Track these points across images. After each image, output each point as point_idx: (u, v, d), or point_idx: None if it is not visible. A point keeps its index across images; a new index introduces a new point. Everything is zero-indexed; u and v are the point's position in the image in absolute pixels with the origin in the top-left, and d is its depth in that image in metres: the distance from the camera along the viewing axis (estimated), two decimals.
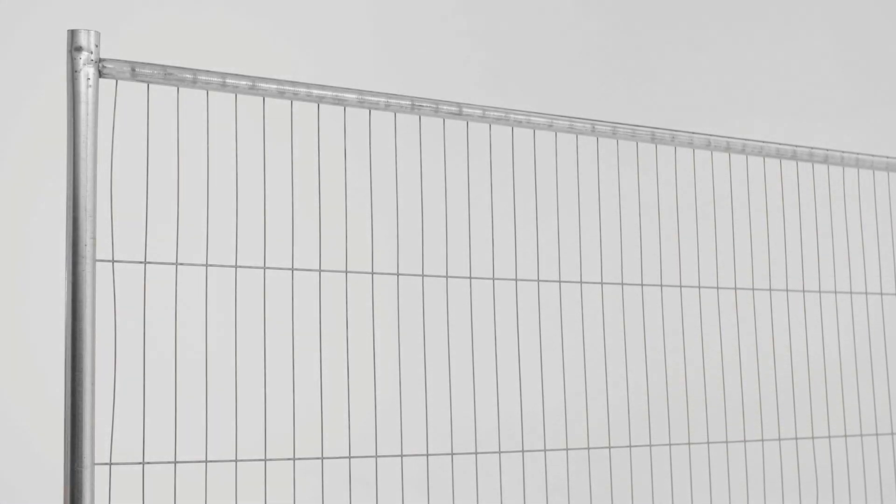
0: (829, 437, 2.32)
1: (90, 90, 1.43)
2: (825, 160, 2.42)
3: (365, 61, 4.95)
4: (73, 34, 1.44)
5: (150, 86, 1.54)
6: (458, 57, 5.19)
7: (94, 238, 1.44)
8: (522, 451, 1.75)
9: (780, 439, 1.90)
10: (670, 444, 2.09)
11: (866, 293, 2.51)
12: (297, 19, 4.79)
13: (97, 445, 3.55)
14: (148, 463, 1.51)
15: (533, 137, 2.10)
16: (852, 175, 5.67)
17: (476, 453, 2.45)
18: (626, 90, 5.46)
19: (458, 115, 2.04)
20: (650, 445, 1.89)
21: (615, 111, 5.07)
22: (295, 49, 4.74)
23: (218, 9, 4.62)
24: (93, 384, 1.45)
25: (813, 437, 1.99)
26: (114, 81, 1.52)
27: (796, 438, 1.98)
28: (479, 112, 2.06)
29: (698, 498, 5.02)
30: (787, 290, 2.16)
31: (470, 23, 5.26)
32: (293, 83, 1.74)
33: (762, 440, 2.02)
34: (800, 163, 5.74)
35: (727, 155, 5.77)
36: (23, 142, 4.07)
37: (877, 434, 2.50)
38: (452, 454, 2.14)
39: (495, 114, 2.07)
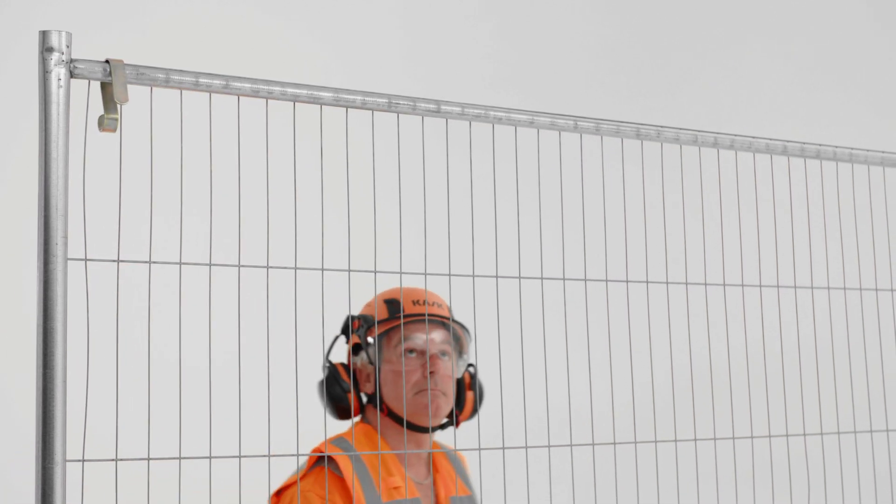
0: (861, 431, 2.36)
1: (61, 90, 1.47)
2: (817, 155, 2.42)
3: (367, 64, 4.99)
4: (44, 35, 1.48)
5: (127, 86, 1.58)
6: (480, 58, 5.23)
7: (65, 237, 1.48)
8: (549, 447, 1.79)
9: (805, 434, 1.94)
10: (720, 439, 2.13)
11: (860, 289, 2.53)
12: (294, 20, 4.83)
13: (75, 443, 3.59)
14: (121, 460, 1.56)
15: (558, 138, 2.13)
16: (846, 170, 5.70)
17: (503, 448, 2.49)
18: (627, 91, 5.51)
19: (437, 112, 2.05)
20: (675, 441, 1.94)
21: (623, 112, 5.11)
22: (288, 50, 4.78)
23: (199, 9, 4.66)
24: (64, 382, 1.50)
25: (839, 433, 2.03)
26: (93, 81, 1.56)
27: (821, 434, 2.02)
28: (457, 109, 2.07)
29: (724, 492, 5.05)
30: (812, 288, 2.20)
31: (491, 25, 5.31)
32: (267, 82, 1.77)
33: (787, 435, 2.05)
34: (791, 158, 5.76)
35: (715, 150, 5.81)
36: None
37: None
38: (480, 449, 2.19)
39: (474, 111, 2.08)
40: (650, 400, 4.87)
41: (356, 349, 2.48)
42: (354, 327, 2.46)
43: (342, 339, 2.98)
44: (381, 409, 2.44)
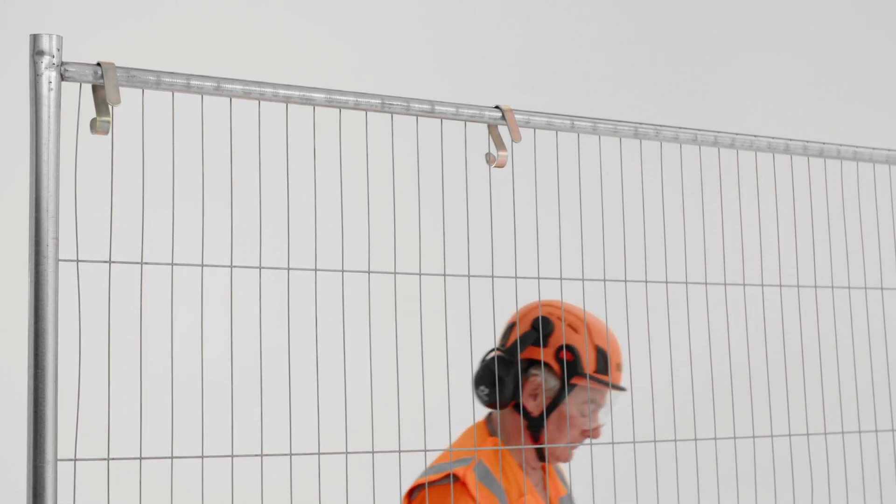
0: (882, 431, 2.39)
1: (52, 93, 1.51)
2: (820, 154, 2.40)
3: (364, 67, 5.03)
4: (34, 38, 1.52)
5: (118, 89, 1.62)
6: (507, 61, 5.26)
7: (56, 238, 1.52)
8: (590, 445, 1.82)
9: (825, 433, 1.96)
10: (747, 438, 2.16)
11: (865, 287, 2.56)
12: (324, 22, 4.86)
13: (69, 442, 3.64)
14: (113, 459, 1.59)
15: (555, 138, 2.17)
16: (851, 168, 5.72)
17: (538, 447, 2.52)
18: (648, 93, 5.54)
19: (431, 113, 2.07)
20: (695, 440, 1.97)
21: (646, 113, 5.13)
22: (289, 53, 4.81)
23: (188, 13, 4.70)
24: (55, 382, 1.54)
25: (876, 431, 2.07)
26: (85, 84, 1.59)
27: (859, 432, 2.05)
28: (452, 110, 2.08)
29: (744, 491, 5.09)
30: (815, 287, 2.22)
31: (515, 30, 5.34)
32: (259, 83, 1.80)
33: (807, 434, 2.09)
34: (794, 157, 5.77)
35: (716, 149, 5.83)
36: None
37: None
38: (502, 448, 2.21)
39: (469, 111, 2.09)
40: (679, 399, 4.90)
41: (535, 362, 2.59)
42: (568, 359, 2.57)
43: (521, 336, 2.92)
44: (536, 438, 2.59)
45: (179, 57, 4.21)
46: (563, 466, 2.91)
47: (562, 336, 2.57)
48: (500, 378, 2.56)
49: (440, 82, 5.09)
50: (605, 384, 2.58)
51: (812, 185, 5.54)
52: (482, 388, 2.57)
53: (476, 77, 5.23)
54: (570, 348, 2.58)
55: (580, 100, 5.23)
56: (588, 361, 2.57)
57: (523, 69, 5.40)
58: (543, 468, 2.69)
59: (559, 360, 2.56)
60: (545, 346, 2.58)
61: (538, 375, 2.58)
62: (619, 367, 2.63)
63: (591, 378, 2.57)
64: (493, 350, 2.63)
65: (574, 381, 2.55)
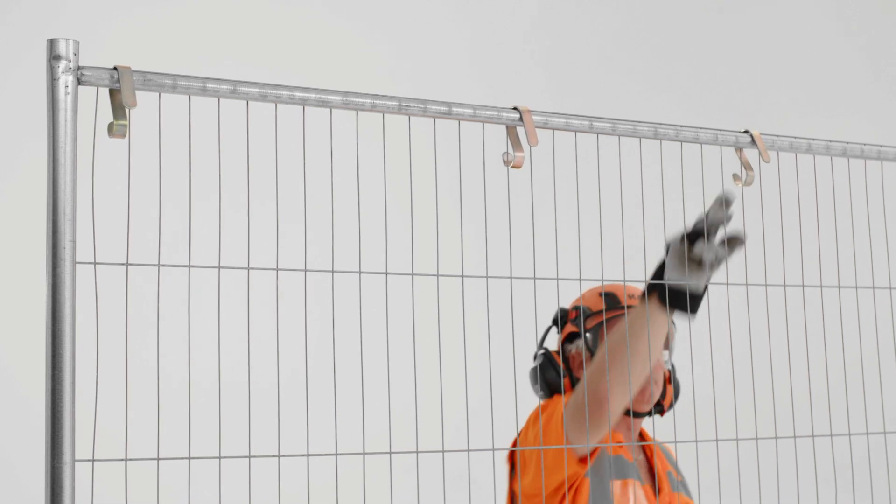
0: None
1: (69, 97, 1.53)
2: (843, 153, 2.40)
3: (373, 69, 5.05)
4: (51, 43, 1.55)
5: (135, 92, 1.64)
6: (528, 62, 5.30)
7: (73, 241, 1.55)
8: (611, 445, 1.83)
9: (885, 432, 1.98)
10: (816, 436, 2.18)
11: (890, 288, 2.55)
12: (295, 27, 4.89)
13: (85, 443, 3.67)
14: (130, 460, 1.62)
15: (574, 139, 2.18)
16: (875, 168, 5.71)
17: (566, 447, 2.53)
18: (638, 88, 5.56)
19: (448, 114, 2.07)
20: (716, 440, 1.98)
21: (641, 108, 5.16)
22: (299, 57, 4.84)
23: (207, 14, 4.73)
24: (72, 383, 1.56)
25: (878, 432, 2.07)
26: (100, 88, 1.62)
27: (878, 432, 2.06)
28: (469, 111, 2.09)
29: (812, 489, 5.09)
30: (839, 287, 2.22)
31: (543, 34, 5.38)
32: (275, 86, 1.82)
33: (867, 433, 2.09)
34: (817, 157, 5.73)
35: (734, 151, 5.79)
36: (5, 145, 4.21)
37: None
38: (542, 448, 2.23)
39: (486, 112, 2.10)
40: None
41: (572, 337, 2.68)
42: (571, 317, 2.66)
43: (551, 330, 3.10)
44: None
45: (195, 54, 4.23)
46: (675, 455, 2.88)
47: (571, 312, 2.68)
48: (541, 369, 2.66)
49: (464, 84, 5.11)
50: (617, 309, 2.60)
51: (836, 185, 5.52)
52: (535, 387, 2.68)
53: (502, 79, 5.25)
54: (574, 308, 2.68)
55: (604, 103, 5.25)
56: (593, 306, 2.65)
57: (549, 73, 5.42)
58: (648, 452, 2.70)
59: (574, 322, 2.65)
60: (562, 328, 2.70)
61: (572, 349, 2.66)
62: (632, 296, 2.64)
63: (598, 313, 2.63)
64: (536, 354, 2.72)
65: (587, 326, 2.63)
